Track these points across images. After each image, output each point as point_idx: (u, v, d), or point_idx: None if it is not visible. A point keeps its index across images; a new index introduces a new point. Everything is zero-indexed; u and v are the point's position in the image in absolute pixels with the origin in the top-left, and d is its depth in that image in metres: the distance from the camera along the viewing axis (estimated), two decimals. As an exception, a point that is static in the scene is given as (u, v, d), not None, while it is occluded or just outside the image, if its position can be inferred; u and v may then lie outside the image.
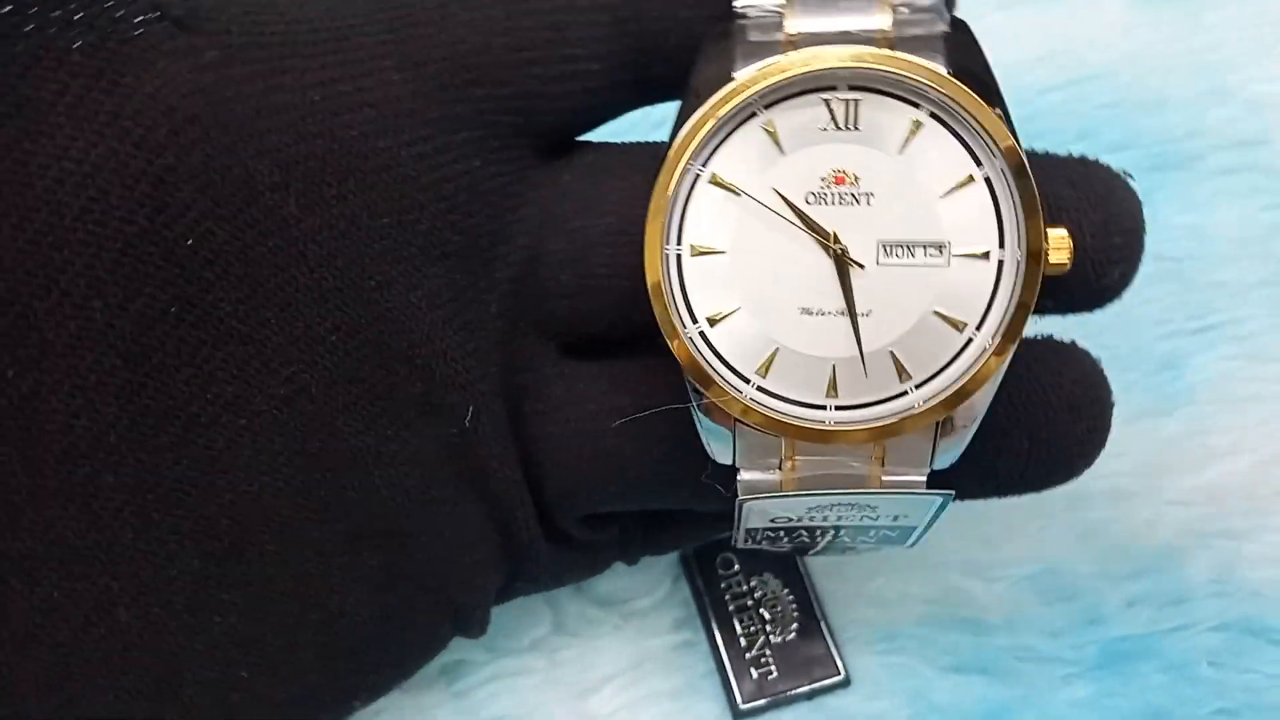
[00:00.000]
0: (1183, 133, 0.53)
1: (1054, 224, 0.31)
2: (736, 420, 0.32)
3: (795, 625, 0.44)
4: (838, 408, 0.32)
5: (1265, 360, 0.49)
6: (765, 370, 0.32)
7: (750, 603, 0.44)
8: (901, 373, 0.31)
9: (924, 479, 0.33)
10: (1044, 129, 0.54)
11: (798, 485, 0.33)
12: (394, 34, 0.35)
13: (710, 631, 0.44)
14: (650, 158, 0.33)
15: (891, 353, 0.31)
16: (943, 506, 0.34)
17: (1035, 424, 0.35)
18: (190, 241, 0.31)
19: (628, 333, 0.36)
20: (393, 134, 0.34)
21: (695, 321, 0.32)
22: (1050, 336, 0.37)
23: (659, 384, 0.34)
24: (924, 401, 0.31)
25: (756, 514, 0.35)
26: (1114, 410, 0.36)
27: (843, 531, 0.36)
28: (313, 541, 0.36)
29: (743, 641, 0.43)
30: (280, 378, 0.34)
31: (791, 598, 0.44)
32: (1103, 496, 0.46)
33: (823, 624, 0.44)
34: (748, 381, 0.32)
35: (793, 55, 0.31)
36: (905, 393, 0.31)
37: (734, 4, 0.33)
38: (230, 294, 0.32)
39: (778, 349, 0.31)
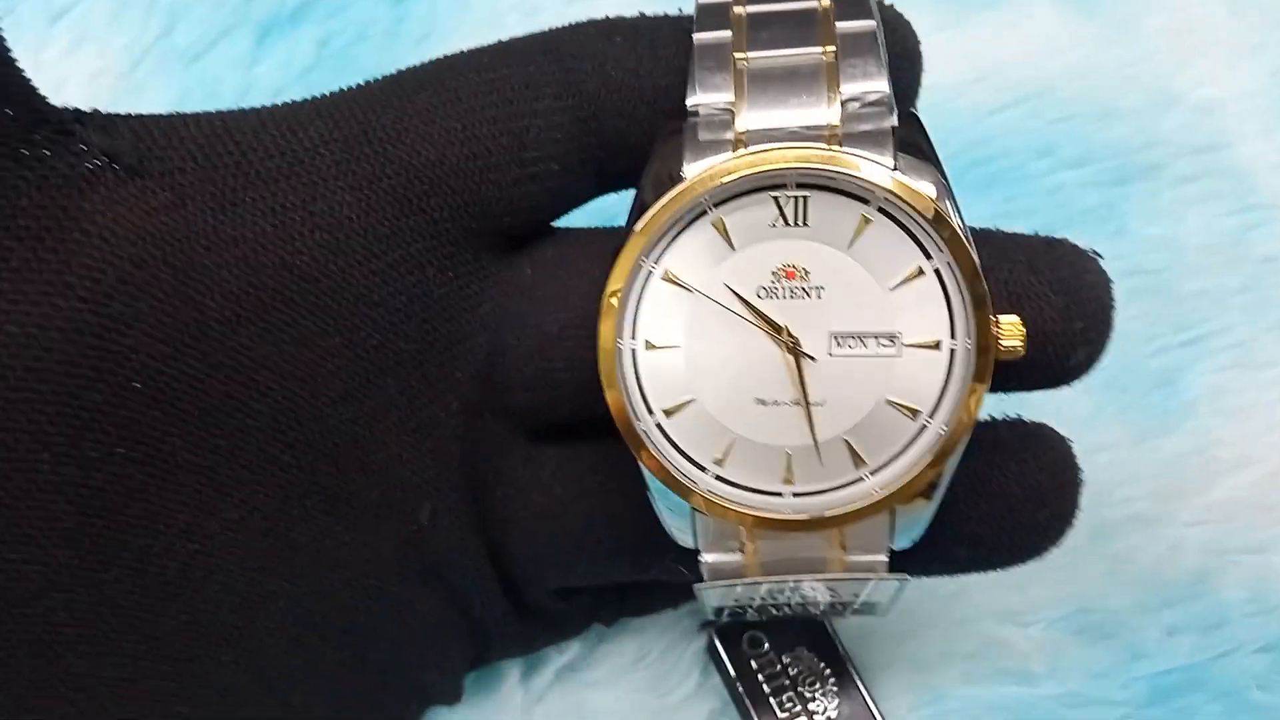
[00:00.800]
0: (1140, 142, 0.52)
1: (1009, 310, 0.32)
2: (694, 509, 0.32)
3: (837, 700, 0.41)
4: (795, 495, 0.32)
5: (1257, 367, 0.48)
6: (722, 460, 0.32)
7: (786, 681, 0.41)
8: (856, 460, 0.31)
9: (885, 560, 0.33)
10: (1002, 149, 0.53)
11: (760, 567, 0.33)
12: (349, 152, 0.34)
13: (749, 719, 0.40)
14: (610, 250, 0.32)
15: (846, 441, 0.31)
16: (901, 589, 0.34)
17: (998, 513, 0.34)
18: (138, 384, 0.32)
19: (591, 419, 0.35)
20: (345, 255, 0.34)
21: (652, 413, 0.32)
22: (1019, 418, 0.36)
23: (623, 467, 0.34)
24: (880, 488, 0.31)
25: (719, 596, 0.35)
26: (1080, 489, 0.36)
27: (809, 607, 0.36)
28: (271, 647, 0.36)
29: (786, 726, 0.40)
30: (233, 500, 0.34)
31: (828, 670, 0.41)
32: (1123, 525, 0.45)
33: (865, 695, 0.41)
34: (705, 471, 0.32)
35: (741, 155, 0.31)
36: (861, 479, 0.32)
37: (686, 102, 0.33)
38: (180, 428, 0.33)
39: (734, 439, 0.32)
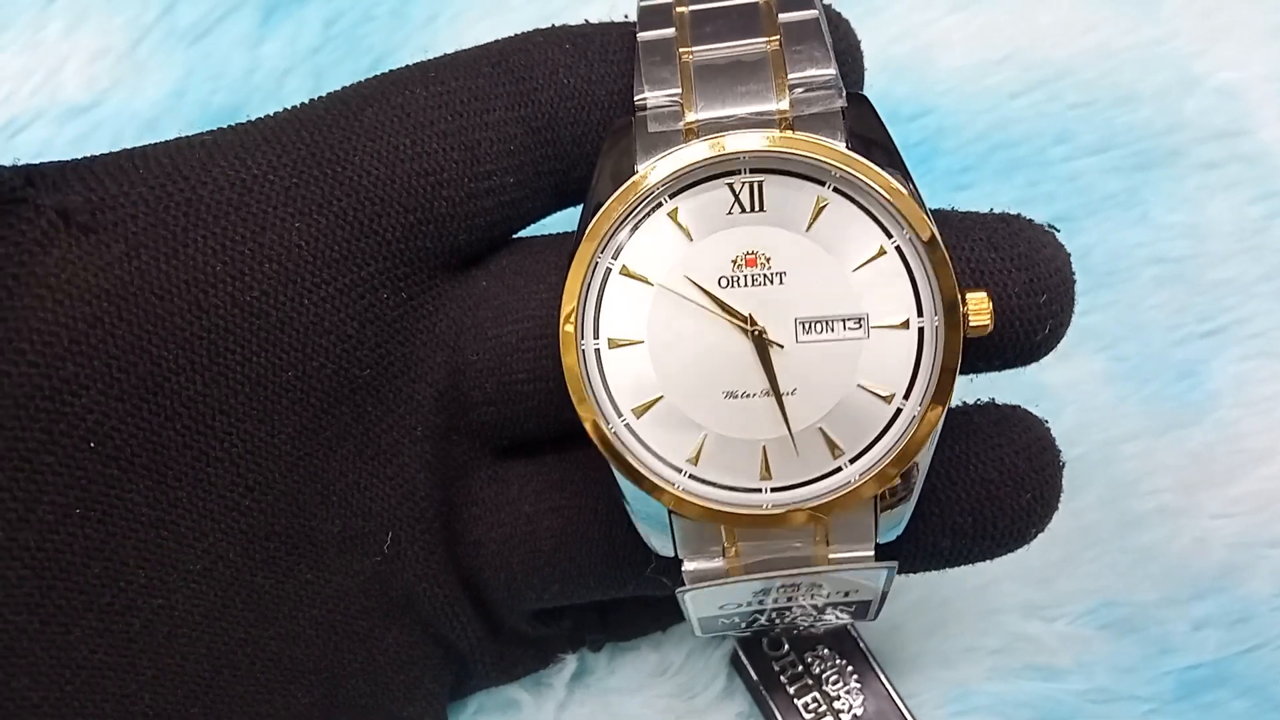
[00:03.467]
0: (1161, 127, 0.51)
1: (974, 288, 0.32)
2: (671, 512, 0.31)
3: (861, 697, 0.40)
4: (773, 489, 0.31)
5: (1280, 356, 0.47)
6: (695, 458, 0.31)
7: (810, 681, 0.40)
8: (833, 448, 0.31)
9: (870, 554, 0.32)
10: (1020, 134, 0.52)
11: (744, 569, 0.32)
12: (297, 176, 0.34)
13: None
14: (568, 255, 0.32)
15: (821, 429, 0.31)
16: (890, 577, 0.33)
17: (977, 500, 0.34)
18: (93, 444, 0.31)
19: (558, 430, 0.35)
20: (294, 284, 0.33)
21: (620, 415, 0.31)
22: (992, 401, 0.36)
23: (593, 479, 0.34)
24: (860, 476, 0.31)
25: (703, 603, 0.34)
26: (1060, 470, 0.35)
27: (798, 612, 0.35)
28: (240, 695, 0.35)
29: (812, 725, 0.40)
30: (195, 552, 0.34)
31: (851, 668, 0.40)
32: (1149, 517, 0.44)
33: (890, 690, 0.40)
34: (679, 471, 0.31)
35: (693, 145, 0.31)
36: (839, 469, 0.31)
37: (634, 97, 0.32)
38: (138, 483, 0.32)
39: (705, 435, 0.31)
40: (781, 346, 0.31)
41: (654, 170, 0.31)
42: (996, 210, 0.35)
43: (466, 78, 0.35)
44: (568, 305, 0.31)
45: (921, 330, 0.31)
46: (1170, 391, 0.47)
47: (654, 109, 0.32)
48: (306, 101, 0.36)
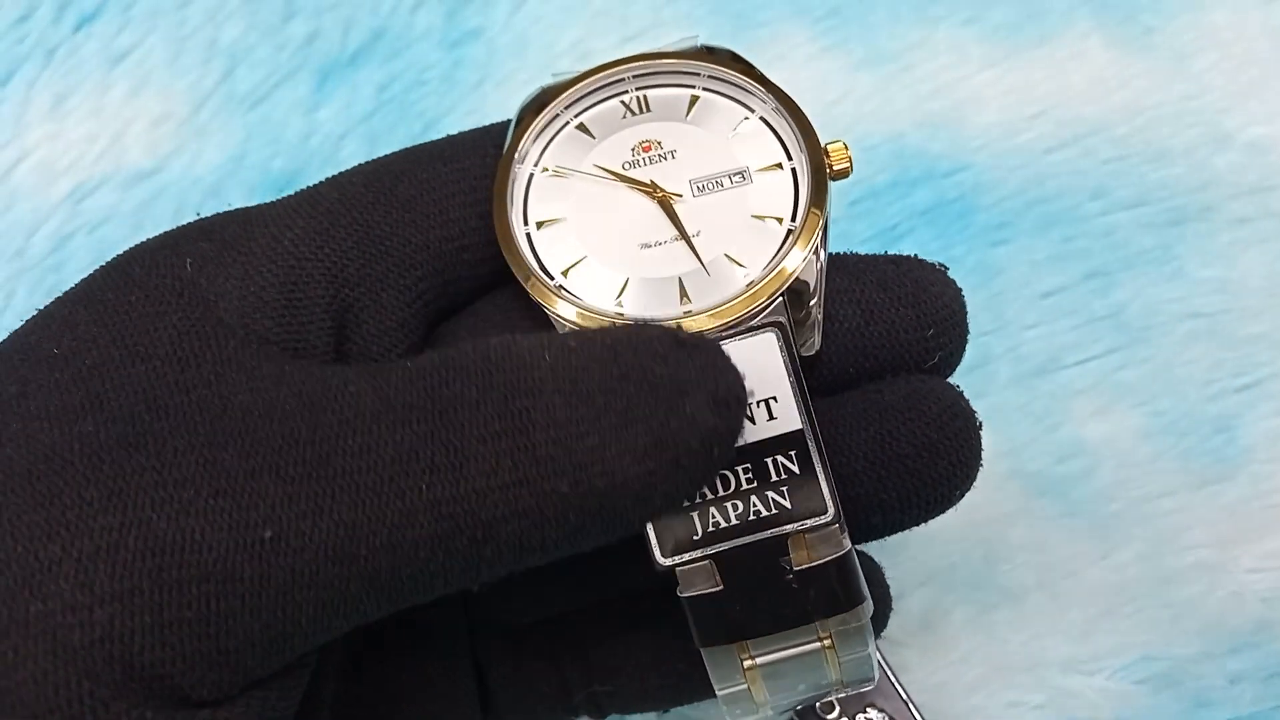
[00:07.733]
0: (1194, 183, 0.53)
1: (866, 329, 0.35)
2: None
3: (910, 754, 0.41)
4: (693, 314, 0.34)
5: (1314, 411, 0.48)
6: (620, 297, 0.35)
7: (861, 739, 0.42)
8: (739, 267, 0.35)
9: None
10: (1055, 190, 0.53)
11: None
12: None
13: (829, 781, 0.41)
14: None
15: (726, 254, 0.35)
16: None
17: (898, 475, 0.35)
18: None
19: None
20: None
21: (553, 278, 0.35)
22: (904, 375, 0.36)
23: None
24: (762, 273, 0.34)
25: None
26: (977, 432, 0.35)
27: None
28: None
29: (864, 787, 0.41)
30: None
31: (900, 726, 0.42)
32: (1186, 573, 0.46)
33: (937, 747, 0.41)
34: (609, 308, 0.35)
35: (585, 70, 0.38)
36: (750, 283, 0.35)
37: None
38: None
39: (628, 279, 0.35)
40: (682, 196, 0.36)
41: (557, 90, 0.37)
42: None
43: (476, 156, 0.37)
44: (499, 199, 0.36)
45: (794, 170, 0.36)
46: (1206, 447, 0.48)
47: None
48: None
